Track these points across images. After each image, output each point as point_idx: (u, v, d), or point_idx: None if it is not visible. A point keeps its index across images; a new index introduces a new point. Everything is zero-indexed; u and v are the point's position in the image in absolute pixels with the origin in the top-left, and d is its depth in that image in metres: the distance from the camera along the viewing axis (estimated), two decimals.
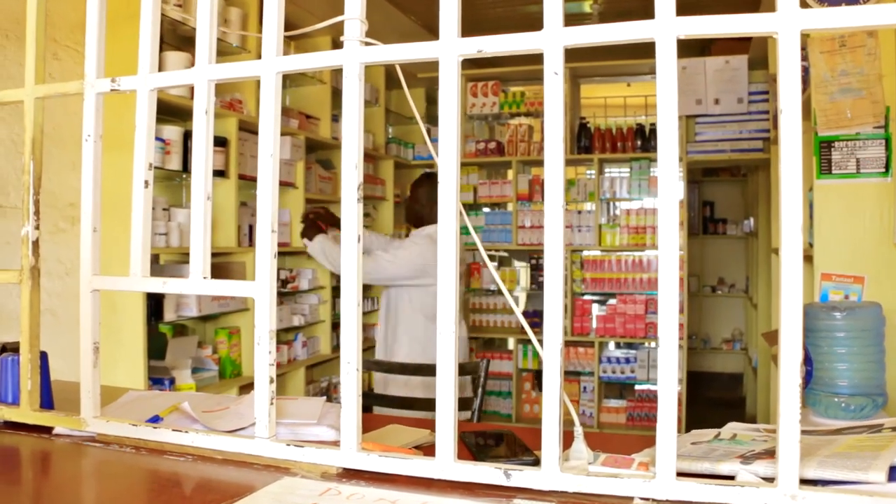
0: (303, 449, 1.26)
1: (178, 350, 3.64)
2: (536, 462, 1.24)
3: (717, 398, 6.90)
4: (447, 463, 1.16)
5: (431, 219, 3.32)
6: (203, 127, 1.36)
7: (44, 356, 1.64)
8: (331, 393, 4.73)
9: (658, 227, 1.05)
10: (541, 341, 1.11)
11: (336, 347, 4.92)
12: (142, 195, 1.43)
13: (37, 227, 1.55)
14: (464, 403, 2.53)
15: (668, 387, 1.03)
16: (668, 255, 1.04)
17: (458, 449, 1.17)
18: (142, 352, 3.22)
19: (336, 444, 1.25)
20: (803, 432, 1.25)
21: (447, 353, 1.15)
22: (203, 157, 1.37)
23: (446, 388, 1.15)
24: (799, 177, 1.00)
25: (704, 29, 1.04)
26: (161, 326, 3.65)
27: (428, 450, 1.22)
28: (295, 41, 4.30)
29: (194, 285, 1.36)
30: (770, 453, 1.10)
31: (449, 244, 1.15)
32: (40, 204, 1.56)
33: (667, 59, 1.05)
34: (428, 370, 2.51)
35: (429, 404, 2.45)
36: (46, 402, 1.62)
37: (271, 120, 1.29)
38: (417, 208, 3.48)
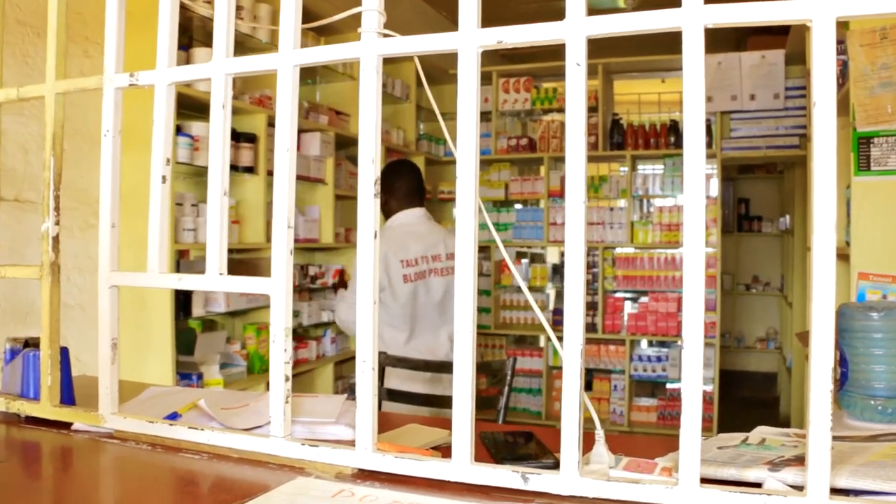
0: (317, 448, 1.24)
1: (206, 345, 3.64)
2: (557, 465, 1.21)
3: (751, 398, 6.79)
4: (463, 465, 1.13)
5: (387, 212, 3.11)
6: (220, 121, 1.35)
7: (64, 352, 1.64)
8: None
9: (683, 229, 1.01)
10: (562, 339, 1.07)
11: None
12: (159, 191, 1.41)
13: (57, 223, 1.55)
14: (490, 402, 2.50)
15: (693, 389, 0.99)
16: (693, 255, 1.00)
17: (476, 450, 1.14)
18: (170, 347, 3.23)
19: (352, 444, 1.23)
20: (835, 438, 1.21)
21: (465, 352, 1.12)
22: (220, 152, 1.35)
23: (463, 389, 1.12)
24: (833, 174, 0.95)
25: (734, 17, 1.00)
26: (190, 322, 3.67)
27: (447, 450, 1.19)
28: (325, 35, 4.29)
29: (210, 282, 1.35)
30: (800, 460, 1.06)
31: (468, 243, 1.12)
32: (60, 199, 1.56)
33: (694, 50, 1.01)
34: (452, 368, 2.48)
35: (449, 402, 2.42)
36: (67, 398, 1.62)
37: (289, 114, 1.27)
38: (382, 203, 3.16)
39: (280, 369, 1.26)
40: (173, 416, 1.53)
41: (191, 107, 3.39)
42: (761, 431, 1.27)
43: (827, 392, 0.93)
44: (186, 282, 1.41)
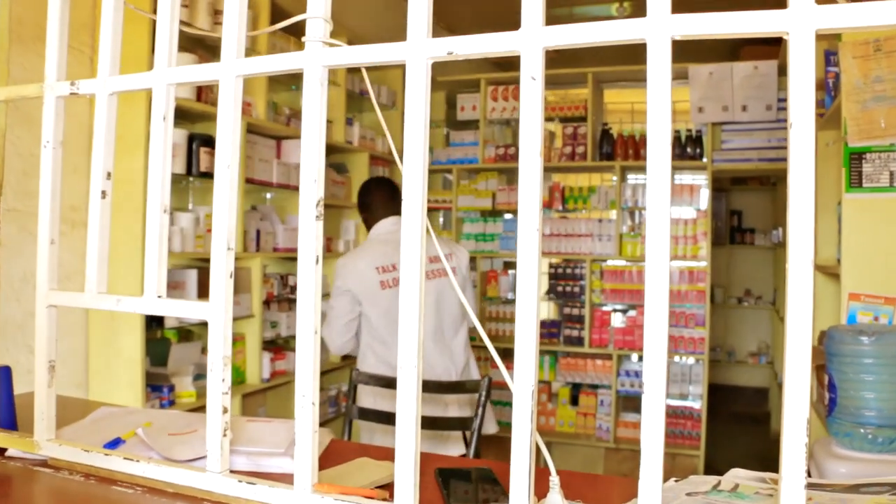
0: (254, 486, 1.15)
1: (180, 356, 3.55)
2: None
3: (741, 413, 6.70)
4: None
5: (369, 228, 3.09)
6: (161, 134, 1.26)
7: (6, 371, 1.55)
8: (339, 401, 4.63)
9: (646, 251, 0.92)
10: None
11: (346, 356, 4.82)
12: (98, 206, 1.33)
13: None
14: (464, 423, 2.42)
15: (653, 436, 0.90)
16: (655, 296, 0.91)
17: (429, 489, 1.05)
18: (140, 358, 3.14)
19: None
20: (813, 486, 1.12)
21: (409, 386, 1.03)
22: (160, 165, 1.26)
23: (407, 427, 1.04)
24: (811, 202, 0.87)
25: (703, 28, 0.91)
26: (165, 332, 3.57)
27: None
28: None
29: (147, 304, 1.26)
30: None
31: (413, 262, 1.03)
32: (1, 211, 1.47)
33: (659, 63, 0.93)
34: (430, 387, 2.40)
35: (430, 423, 2.34)
36: (6, 421, 1.53)
37: (230, 127, 1.18)
38: (363, 220, 3.19)
39: (217, 400, 1.18)
40: (115, 443, 1.44)
41: None
42: (735, 475, 1.18)
43: (802, 444, 0.85)
44: (124, 304, 1.32)
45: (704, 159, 5.12)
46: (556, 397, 5.38)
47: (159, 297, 1.25)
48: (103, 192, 1.34)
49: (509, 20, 1.08)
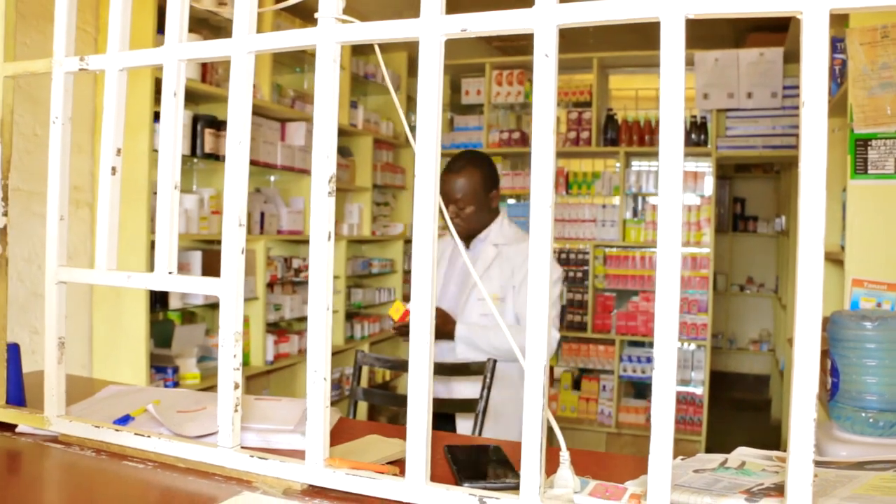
0: (266, 462, 1.16)
1: (184, 338, 3.56)
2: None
3: (742, 399, 6.72)
4: (417, 485, 1.05)
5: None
6: (172, 110, 1.26)
7: (14, 349, 1.56)
8: (342, 384, 4.64)
9: (658, 237, 0.93)
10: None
11: (350, 338, 4.83)
12: (108, 183, 1.33)
13: (5, 214, 1.46)
14: (470, 405, 2.42)
15: (664, 410, 0.91)
16: (667, 283, 0.91)
17: (438, 466, 1.06)
18: (144, 339, 3.15)
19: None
20: (820, 464, 1.13)
21: (421, 359, 1.04)
22: (171, 142, 1.26)
23: (419, 402, 1.04)
24: (822, 182, 0.86)
25: (718, 7, 0.91)
26: (169, 313, 3.59)
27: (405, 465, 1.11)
28: (311, 22, 4.20)
29: (158, 281, 1.26)
30: (780, 489, 0.98)
31: (426, 242, 1.04)
32: (9, 189, 1.48)
33: (673, 43, 0.93)
34: (444, 369, 2.40)
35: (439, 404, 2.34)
36: (15, 398, 1.54)
37: (243, 104, 1.18)
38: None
39: (229, 376, 1.18)
40: (125, 420, 1.45)
41: None
42: (742, 453, 1.19)
43: (811, 420, 0.86)
44: (135, 280, 1.32)
45: (709, 146, 5.11)
46: (559, 382, 5.39)
47: (170, 273, 1.26)
48: (113, 169, 1.34)
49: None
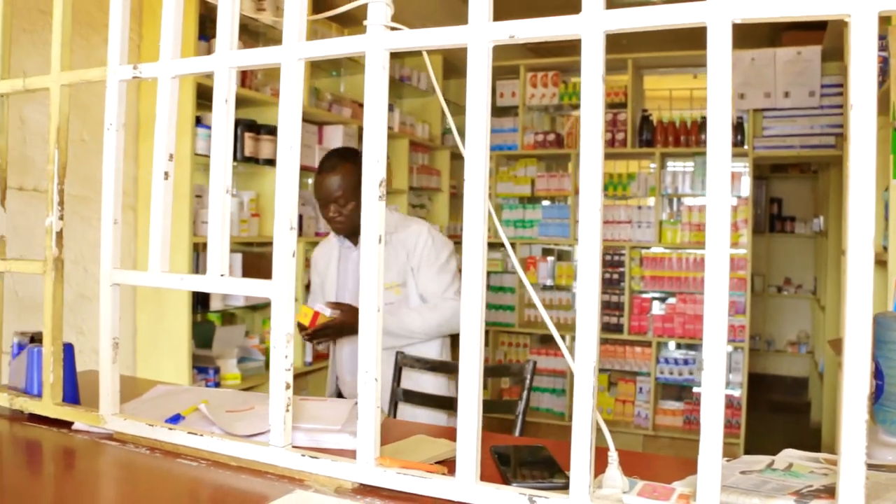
0: (318, 461, 1.19)
1: (224, 339, 3.61)
2: (569, 485, 1.14)
3: (781, 402, 6.64)
4: (467, 484, 1.07)
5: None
6: (223, 116, 1.29)
7: (68, 348, 1.61)
8: None
9: (706, 239, 0.93)
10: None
11: None
12: (162, 187, 1.37)
13: (61, 218, 1.51)
14: (510, 406, 2.44)
15: (714, 412, 0.92)
16: (716, 285, 0.92)
17: (484, 466, 1.08)
18: (186, 340, 3.20)
19: (356, 454, 1.17)
20: (870, 467, 1.13)
21: (472, 362, 1.06)
22: (223, 148, 1.30)
23: (469, 402, 1.06)
24: (871, 183, 0.87)
25: (765, 12, 0.92)
26: (209, 315, 3.64)
27: (453, 464, 1.13)
28: (349, 27, 4.24)
29: (210, 283, 1.29)
30: (830, 491, 0.98)
31: (476, 242, 1.06)
32: (65, 193, 1.52)
33: (720, 47, 0.93)
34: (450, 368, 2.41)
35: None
36: (70, 396, 1.58)
37: (293, 110, 1.21)
38: None
39: (281, 376, 1.21)
40: (175, 419, 1.49)
41: (212, 98, 3.35)
42: (788, 455, 1.19)
43: (862, 421, 0.86)
44: (187, 282, 1.36)
45: (745, 146, 5.07)
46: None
47: (222, 275, 1.29)
48: (166, 174, 1.37)
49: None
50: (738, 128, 5.11)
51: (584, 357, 0.98)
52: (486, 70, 1.05)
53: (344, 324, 2.30)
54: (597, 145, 0.99)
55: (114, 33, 1.42)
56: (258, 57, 1.26)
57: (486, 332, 2.83)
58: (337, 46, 1.18)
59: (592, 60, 0.99)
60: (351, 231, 2.53)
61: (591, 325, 0.98)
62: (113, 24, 1.42)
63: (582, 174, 0.99)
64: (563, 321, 5.53)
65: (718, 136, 0.92)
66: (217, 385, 3.39)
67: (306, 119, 4.04)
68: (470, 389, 1.06)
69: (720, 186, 0.92)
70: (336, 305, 2.34)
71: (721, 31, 0.93)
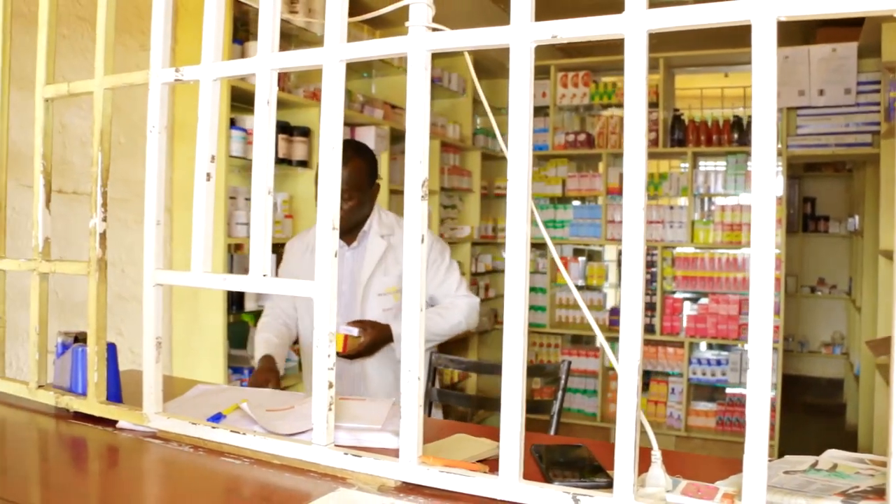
0: (361, 459, 1.19)
1: None
2: (611, 484, 1.14)
3: (815, 404, 6.57)
4: (511, 483, 1.07)
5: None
6: (265, 118, 1.31)
7: (112, 348, 1.63)
8: None
9: (752, 238, 0.93)
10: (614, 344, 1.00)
11: None
12: (204, 188, 1.38)
13: (104, 219, 1.53)
14: (542, 405, 2.44)
15: (760, 411, 0.92)
16: (761, 284, 0.92)
17: (525, 465, 1.08)
18: (222, 340, 3.23)
19: (398, 453, 1.18)
20: None
21: (515, 360, 1.06)
22: (265, 149, 1.31)
23: (513, 401, 1.06)
24: None
25: (812, 9, 0.92)
26: (243, 315, 3.67)
27: (495, 463, 1.14)
28: (380, 28, 4.26)
29: (253, 283, 1.31)
30: (878, 493, 0.97)
31: (519, 244, 1.06)
32: (108, 195, 1.54)
33: (765, 45, 0.93)
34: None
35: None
36: (113, 395, 1.61)
37: (335, 111, 1.22)
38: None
39: (323, 375, 1.22)
40: (217, 418, 1.50)
41: (245, 100, 3.38)
42: (832, 456, 1.18)
43: None
44: (230, 282, 1.37)
45: (779, 145, 5.02)
46: None
47: (264, 275, 1.30)
48: (208, 175, 1.39)
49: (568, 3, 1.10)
50: None
51: (628, 356, 0.98)
52: (529, 70, 1.06)
53: (375, 340, 2.26)
54: (640, 145, 0.99)
55: (156, 37, 1.44)
56: (300, 59, 1.27)
57: None
58: (378, 48, 1.19)
59: (636, 60, 0.99)
60: (347, 228, 2.40)
61: (635, 325, 0.98)
62: (155, 28, 1.44)
63: (626, 173, 1.00)
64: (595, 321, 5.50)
65: (764, 135, 0.92)
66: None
67: None
68: (513, 388, 1.06)
69: (765, 186, 0.92)
70: (357, 323, 2.27)
71: (766, 28, 0.93)
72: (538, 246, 5.33)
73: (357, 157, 2.38)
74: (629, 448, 0.98)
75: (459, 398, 2.46)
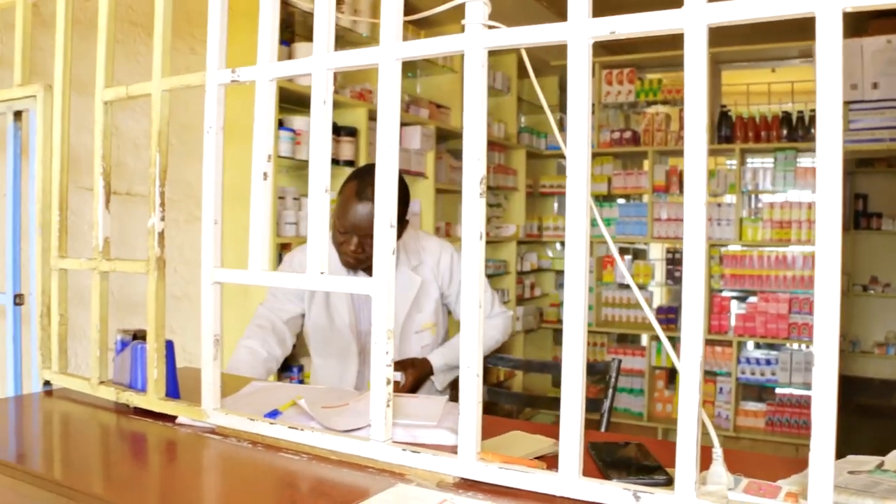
0: (419, 455, 1.20)
1: None
2: (669, 482, 1.13)
3: (869, 406, 6.43)
4: (571, 479, 1.07)
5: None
6: (322, 117, 1.32)
7: (170, 345, 1.66)
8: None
9: (816, 236, 0.92)
10: (672, 342, 1.00)
11: None
12: (261, 187, 1.40)
13: (162, 219, 1.56)
14: (592, 404, 2.43)
15: (826, 409, 0.90)
16: (827, 266, 0.91)
17: (583, 462, 1.08)
18: None
19: (454, 449, 1.19)
20: None
21: (575, 358, 1.06)
22: (322, 148, 1.32)
23: (573, 398, 1.06)
24: None
25: None
26: None
27: (552, 460, 1.13)
28: (424, 28, 4.27)
29: (311, 281, 1.32)
30: None
31: (579, 243, 1.06)
32: (166, 195, 1.57)
33: (830, 36, 0.92)
34: (553, 368, 2.41)
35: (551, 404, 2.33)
36: (172, 391, 1.63)
37: (391, 109, 1.23)
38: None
39: (382, 372, 1.23)
40: (273, 414, 1.52)
41: (292, 101, 3.42)
42: None
43: None
44: (289, 280, 1.39)
45: None
46: (675, 384, 5.30)
47: (322, 273, 1.32)
48: (265, 174, 1.41)
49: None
50: None
51: (690, 352, 0.97)
52: (587, 67, 1.05)
53: (417, 379, 2.23)
54: (701, 141, 0.98)
55: (212, 38, 1.47)
56: (356, 58, 1.28)
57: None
58: (434, 46, 1.19)
59: (696, 55, 0.98)
60: (366, 267, 2.18)
61: (697, 321, 0.97)
62: (211, 30, 1.47)
63: (686, 170, 0.99)
64: (641, 320, 5.47)
65: (829, 130, 0.90)
66: (301, 382, 3.45)
67: None
68: (573, 386, 1.06)
69: (830, 182, 0.91)
70: (397, 365, 2.20)
71: (831, 19, 0.91)
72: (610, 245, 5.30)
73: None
74: (691, 445, 0.97)
75: (510, 396, 2.46)
